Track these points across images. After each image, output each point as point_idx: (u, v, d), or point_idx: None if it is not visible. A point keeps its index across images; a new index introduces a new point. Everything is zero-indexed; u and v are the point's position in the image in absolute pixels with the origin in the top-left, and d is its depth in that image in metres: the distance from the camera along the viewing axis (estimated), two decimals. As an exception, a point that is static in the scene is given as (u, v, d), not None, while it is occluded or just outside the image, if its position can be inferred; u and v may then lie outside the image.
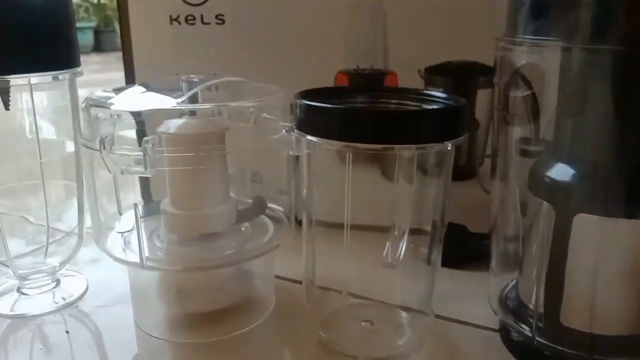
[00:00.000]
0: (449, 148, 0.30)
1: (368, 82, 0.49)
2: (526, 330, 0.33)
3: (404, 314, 0.38)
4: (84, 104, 0.35)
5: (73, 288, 0.43)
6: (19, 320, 0.40)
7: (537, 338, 0.32)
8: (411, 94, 0.35)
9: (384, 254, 0.39)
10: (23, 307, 0.41)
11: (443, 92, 0.33)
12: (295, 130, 0.32)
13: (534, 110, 0.30)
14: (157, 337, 0.37)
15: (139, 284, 0.39)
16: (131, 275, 0.39)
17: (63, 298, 0.42)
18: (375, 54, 0.49)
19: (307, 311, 0.37)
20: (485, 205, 0.37)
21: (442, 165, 0.32)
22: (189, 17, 0.51)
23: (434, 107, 0.32)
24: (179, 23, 0.52)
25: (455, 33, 0.45)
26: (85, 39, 3.63)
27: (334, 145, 0.30)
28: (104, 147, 0.31)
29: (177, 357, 0.36)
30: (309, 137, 0.31)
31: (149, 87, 0.39)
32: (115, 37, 3.68)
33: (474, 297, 0.40)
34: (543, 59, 0.29)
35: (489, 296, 0.36)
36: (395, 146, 0.29)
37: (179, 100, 0.34)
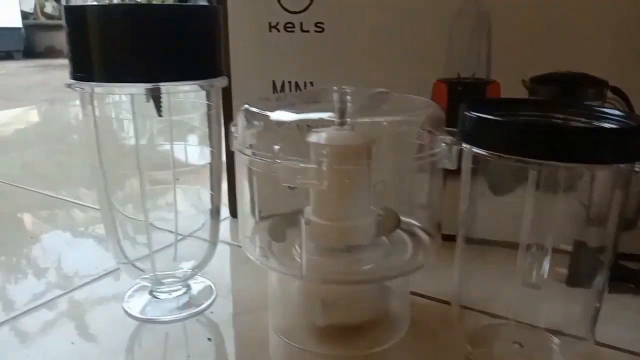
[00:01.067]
0: (636, 169, 0.28)
1: (468, 92, 0.48)
2: None
3: (553, 337, 0.36)
4: (243, 112, 0.35)
5: (202, 294, 0.43)
6: (151, 324, 0.40)
7: None
8: (579, 108, 0.33)
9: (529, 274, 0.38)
10: (154, 311, 0.41)
11: (616, 109, 0.32)
12: (464, 145, 0.32)
13: None
14: (296, 346, 0.37)
15: (279, 292, 0.38)
16: (272, 284, 0.38)
17: (194, 304, 0.42)
18: (477, 63, 0.48)
19: (455, 327, 0.36)
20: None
21: (621, 188, 0.31)
22: (288, 25, 0.52)
23: (612, 125, 0.31)
24: (278, 30, 0.52)
25: (560, 44, 0.45)
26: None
27: (510, 160, 0.29)
28: (276, 156, 0.31)
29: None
30: (479, 151, 0.30)
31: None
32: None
33: (623, 321, 0.38)
34: None
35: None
36: (586, 165, 0.27)
37: (339, 113, 0.34)
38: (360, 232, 0.36)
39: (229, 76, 0.54)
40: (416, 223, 0.40)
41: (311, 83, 0.53)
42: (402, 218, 0.40)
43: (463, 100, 0.33)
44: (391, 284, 0.39)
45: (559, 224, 0.37)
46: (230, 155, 0.48)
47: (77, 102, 0.40)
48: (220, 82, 0.39)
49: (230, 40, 0.54)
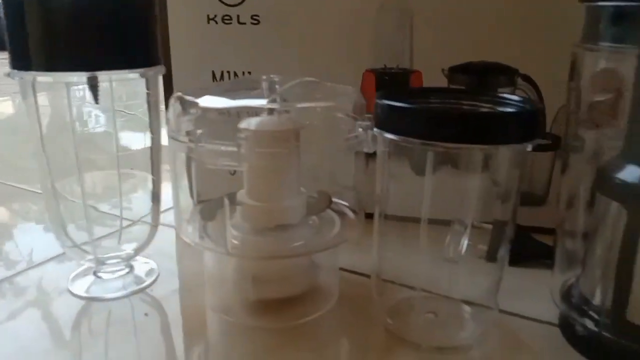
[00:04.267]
0: (528, 149, 0.31)
1: (394, 81, 0.52)
2: (591, 325, 0.34)
3: (466, 307, 0.40)
4: (174, 99, 0.37)
5: (146, 273, 0.45)
6: (95, 302, 0.42)
7: (603, 333, 0.33)
8: (484, 95, 0.36)
9: (447, 248, 0.41)
10: (98, 290, 0.43)
11: (516, 95, 0.35)
12: (375, 129, 0.34)
13: (610, 113, 0.31)
14: (230, 319, 0.39)
15: (215, 268, 0.41)
16: (207, 263, 0.41)
17: (137, 283, 0.44)
18: (402, 54, 0.52)
19: (375, 300, 0.39)
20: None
21: (519, 166, 0.34)
22: (226, 17, 0.54)
23: (511, 110, 0.34)
24: (216, 22, 0.55)
25: (476, 36, 0.49)
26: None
27: (417, 143, 0.32)
28: (198, 141, 0.33)
29: (250, 339, 0.38)
30: (389, 136, 0.33)
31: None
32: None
33: (534, 294, 0.41)
34: (621, 64, 0.31)
35: (551, 292, 0.38)
36: (479, 146, 0.30)
37: (268, 99, 0.36)
38: (289, 212, 0.39)
39: (169, 66, 0.57)
40: (344, 203, 0.43)
41: (249, 73, 0.56)
42: (335, 200, 0.43)
43: (386, 89, 0.36)
44: (320, 260, 0.42)
45: (475, 202, 0.40)
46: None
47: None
48: (157, 70, 0.41)
49: (170, 31, 0.56)
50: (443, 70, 0.49)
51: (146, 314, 0.40)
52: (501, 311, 0.40)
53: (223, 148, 0.33)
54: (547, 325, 0.38)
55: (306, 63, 0.53)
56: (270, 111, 0.38)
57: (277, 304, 0.40)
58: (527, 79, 0.47)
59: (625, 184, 0.32)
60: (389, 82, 0.51)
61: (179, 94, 0.37)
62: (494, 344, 0.37)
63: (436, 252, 0.39)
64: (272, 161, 0.37)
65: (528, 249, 0.47)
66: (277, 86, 0.39)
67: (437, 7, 0.49)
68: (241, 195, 0.39)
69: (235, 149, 0.33)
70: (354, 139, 0.37)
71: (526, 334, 0.38)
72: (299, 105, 0.38)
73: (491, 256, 0.48)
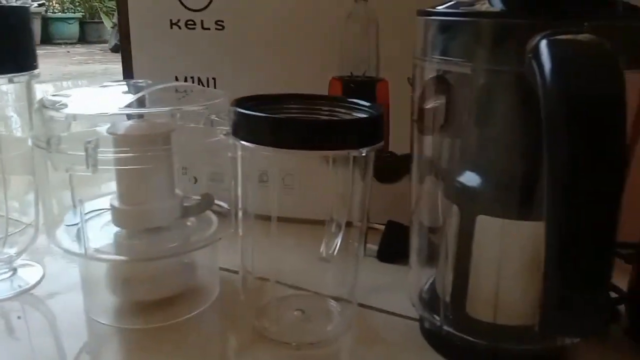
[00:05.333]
0: (363, 154, 0.33)
1: (359, 89, 0.53)
2: (436, 320, 0.36)
3: (333, 302, 0.41)
4: (37, 105, 0.37)
5: (29, 277, 0.46)
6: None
7: (444, 327, 0.35)
8: (341, 102, 0.38)
9: (321, 249, 0.42)
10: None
11: (368, 102, 0.36)
12: (231, 135, 0.35)
13: (443, 119, 0.33)
14: (105, 324, 0.40)
15: (88, 274, 0.41)
16: (81, 266, 0.41)
17: (19, 285, 0.44)
18: (368, 62, 0.52)
19: (242, 301, 0.40)
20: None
21: (366, 169, 0.35)
22: (189, 22, 0.53)
23: (361, 115, 0.35)
24: (179, 27, 0.54)
25: None
26: (71, 30, 3.63)
27: (262, 150, 0.33)
28: (51, 147, 0.33)
29: (123, 341, 0.39)
30: (242, 142, 0.34)
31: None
32: (101, 28, 3.68)
33: (402, 289, 0.43)
34: (450, 75, 0.32)
35: (408, 288, 0.39)
36: (314, 152, 0.32)
37: (124, 104, 0.37)
38: (158, 214, 0.40)
39: (131, 74, 0.56)
40: (222, 204, 0.44)
41: (214, 79, 0.55)
42: (218, 202, 0.44)
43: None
44: (198, 260, 0.43)
45: (337, 203, 0.41)
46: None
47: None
48: (30, 76, 0.41)
49: (131, 36, 0.55)
50: (409, 79, 0.49)
51: (19, 317, 0.41)
52: (370, 307, 0.42)
53: (70, 153, 0.33)
54: (410, 320, 0.40)
55: (272, 70, 0.52)
56: (141, 116, 0.39)
57: (152, 305, 0.41)
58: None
59: (461, 187, 0.33)
60: (355, 90, 0.52)
61: (42, 97, 0.38)
62: (358, 339, 0.39)
63: (306, 251, 0.40)
64: (139, 165, 0.38)
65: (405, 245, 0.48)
66: (145, 91, 0.39)
67: (404, 15, 0.47)
68: (112, 199, 0.40)
69: (83, 153, 0.33)
70: (216, 143, 0.38)
71: (388, 329, 0.40)
72: (146, 111, 0.39)
73: (383, 255, 0.50)
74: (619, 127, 0.23)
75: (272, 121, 0.33)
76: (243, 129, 0.34)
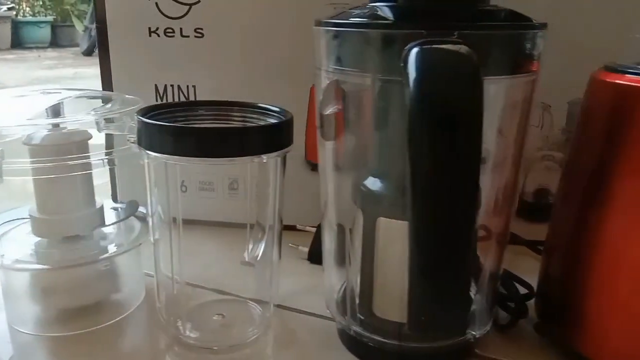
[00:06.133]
0: (264, 161, 0.34)
1: None
2: (346, 320, 0.37)
3: (254, 305, 0.42)
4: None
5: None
6: None
7: (353, 328, 0.36)
8: (253, 107, 0.38)
9: (244, 253, 0.43)
10: None
11: (279, 107, 0.37)
12: (136, 143, 0.36)
13: (339, 126, 0.34)
14: (28, 333, 0.40)
15: (8, 284, 0.41)
16: (1, 277, 0.41)
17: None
18: None
19: (160, 307, 0.41)
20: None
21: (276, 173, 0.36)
22: (168, 30, 0.53)
23: (272, 121, 0.36)
24: (158, 35, 0.53)
25: None
26: (42, 34, 3.59)
27: (160, 158, 0.34)
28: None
29: (47, 350, 0.39)
30: (145, 151, 0.35)
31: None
32: (73, 32, 3.65)
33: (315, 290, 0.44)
34: (344, 84, 0.33)
35: (324, 289, 0.40)
36: (212, 159, 0.32)
37: (34, 115, 0.37)
38: (76, 223, 0.40)
39: (110, 81, 0.55)
40: (143, 210, 0.44)
41: (193, 87, 0.54)
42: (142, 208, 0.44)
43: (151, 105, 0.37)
44: (119, 266, 0.43)
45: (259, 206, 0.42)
46: None
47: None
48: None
49: (110, 44, 0.55)
50: None
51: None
52: (291, 308, 0.42)
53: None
54: (328, 321, 0.41)
55: (251, 77, 0.52)
56: (56, 126, 0.40)
57: (74, 312, 0.41)
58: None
59: (366, 191, 0.34)
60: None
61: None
62: (276, 340, 0.40)
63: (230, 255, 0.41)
64: (53, 174, 0.38)
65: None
66: (60, 99, 0.40)
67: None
68: (32, 209, 0.40)
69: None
70: (127, 151, 0.38)
71: (306, 329, 0.40)
72: (55, 121, 0.39)
73: (313, 257, 0.51)
74: (473, 131, 0.24)
75: (170, 130, 0.33)
76: (146, 137, 0.34)
